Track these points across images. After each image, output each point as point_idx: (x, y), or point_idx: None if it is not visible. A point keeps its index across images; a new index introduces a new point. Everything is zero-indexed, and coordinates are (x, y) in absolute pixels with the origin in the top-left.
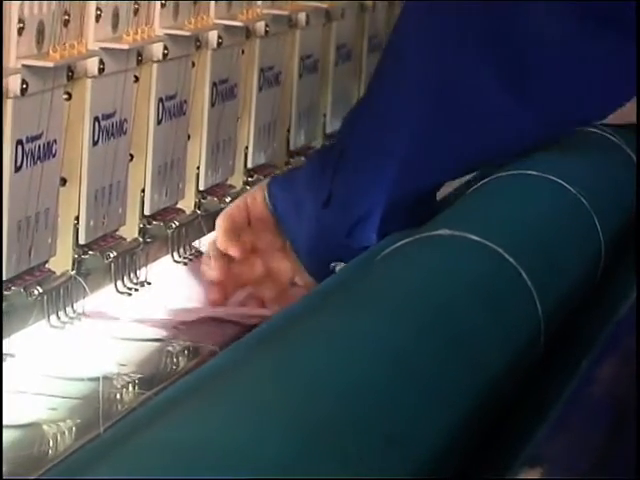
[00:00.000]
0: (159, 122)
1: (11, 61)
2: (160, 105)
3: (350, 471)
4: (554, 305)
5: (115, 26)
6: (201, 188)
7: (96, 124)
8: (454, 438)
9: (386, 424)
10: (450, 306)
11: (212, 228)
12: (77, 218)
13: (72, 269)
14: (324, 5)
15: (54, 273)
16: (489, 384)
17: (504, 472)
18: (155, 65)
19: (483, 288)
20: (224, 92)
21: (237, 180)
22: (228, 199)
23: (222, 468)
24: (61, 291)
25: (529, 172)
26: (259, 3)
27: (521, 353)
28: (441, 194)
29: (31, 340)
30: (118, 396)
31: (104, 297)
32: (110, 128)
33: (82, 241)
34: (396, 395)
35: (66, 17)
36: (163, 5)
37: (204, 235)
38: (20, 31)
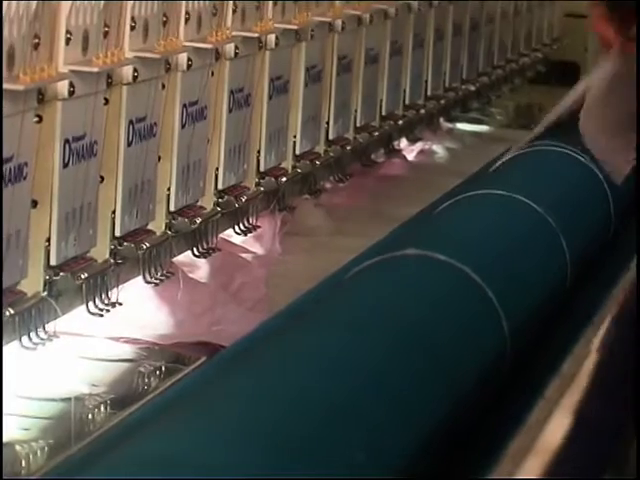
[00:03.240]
0: (129, 144)
1: None
2: (130, 127)
3: None
4: (520, 323)
5: (85, 49)
6: (172, 209)
7: (66, 146)
8: (424, 451)
9: (358, 438)
10: (417, 324)
11: (183, 249)
12: (48, 240)
13: (43, 290)
14: (294, 26)
15: (25, 294)
16: (457, 399)
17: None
18: (125, 87)
19: (449, 307)
20: (194, 114)
21: (208, 201)
22: (199, 220)
23: None
24: (32, 312)
25: (496, 192)
26: (228, 25)
27: (488, 369)
28: (409, 214)
29: (3, 361)
30: (90, 416)
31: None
32: (80, 150)
33: (53, 262)
34: (367, 410)
35: (36, 40)
36: (132, 28)
37: (175, 256)
38: None
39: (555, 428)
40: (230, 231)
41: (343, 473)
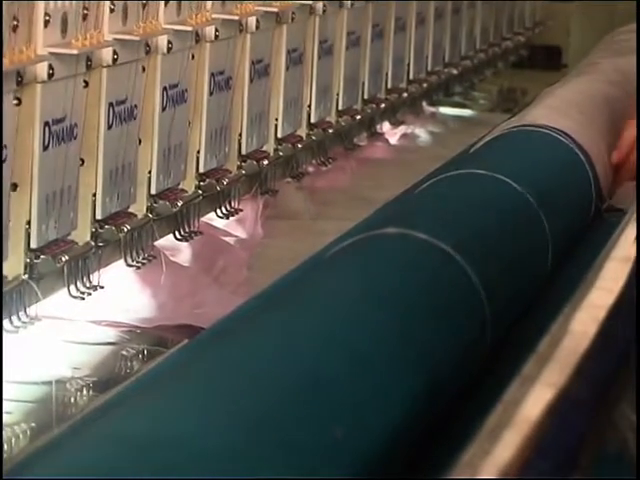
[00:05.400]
0: (110, 127)
1: None
2: (110, 110)
3: (294, 461)
4: (501, 303)
5: (64, 31)
6: (153, 192)
7: (46, 129)
8: (401, 430)
9: (332, 416)
10: (396, 303)
11: (165, 232)
12: (28, 222)
13: (24, 273)
14: (274, 9)
15: (6, 277)
16: (436, 377)
17: (451, 466)
18: (105, 70)
19: (429, 286)
20: (175, 97)
21: (189, 184)
22: (180, 203)
23: (168, 459)
24: (14, 295)
25: (477, 171)
26: (208, 7)
27: (468, 348)
28: (391, 197)
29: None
30: (72, 399)
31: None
32: (60, 133)
33: (34, 245)
34: (343, 389)
35: (15, 22)
36: (112, 10)
37: (157, 239)
38: None
39: (534, 403)
40: (212, 214)
41: (321, 447)
